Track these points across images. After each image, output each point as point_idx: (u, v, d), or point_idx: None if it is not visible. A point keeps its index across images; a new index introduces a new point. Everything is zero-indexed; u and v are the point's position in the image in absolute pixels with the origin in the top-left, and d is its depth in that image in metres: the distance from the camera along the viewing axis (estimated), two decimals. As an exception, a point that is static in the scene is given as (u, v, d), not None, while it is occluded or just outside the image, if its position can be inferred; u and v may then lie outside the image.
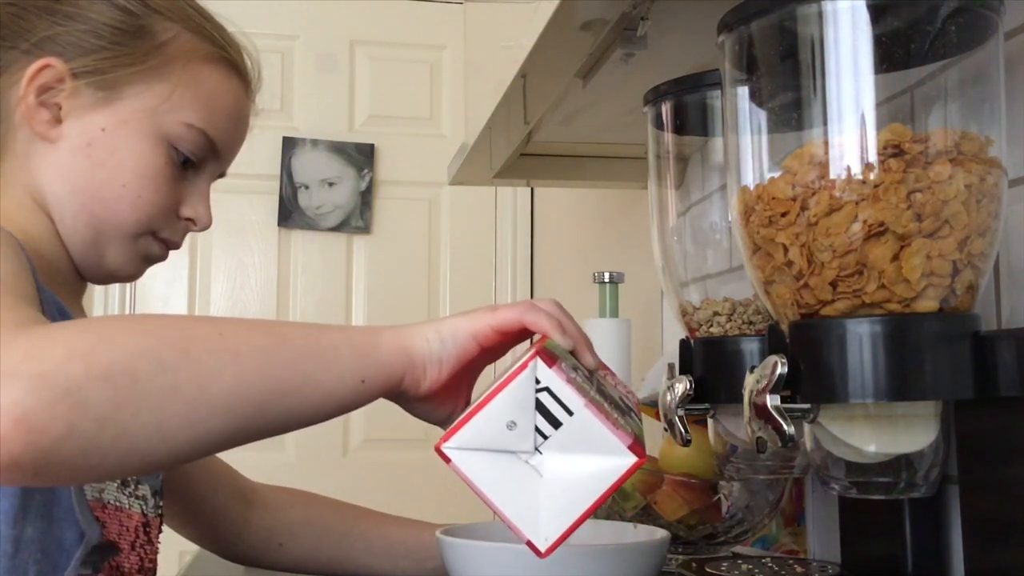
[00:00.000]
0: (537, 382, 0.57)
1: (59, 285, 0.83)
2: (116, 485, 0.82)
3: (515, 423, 0.57)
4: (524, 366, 0.57)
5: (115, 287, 2.46)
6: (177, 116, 0.86)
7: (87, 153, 0.84)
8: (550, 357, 0.58)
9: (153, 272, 2.88)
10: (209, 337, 0.57)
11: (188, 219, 0.90)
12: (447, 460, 0.58)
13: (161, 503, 0.90)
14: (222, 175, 0.96)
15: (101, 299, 2.45)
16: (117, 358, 0.52)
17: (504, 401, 0.57)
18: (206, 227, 0.92)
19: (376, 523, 1.05)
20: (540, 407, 0.57)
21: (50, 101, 0.83)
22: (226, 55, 0.90)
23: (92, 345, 0.52)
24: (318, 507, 1.07)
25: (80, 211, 0.84)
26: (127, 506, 0.83)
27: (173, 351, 0.54)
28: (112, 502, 0.81)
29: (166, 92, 0.85)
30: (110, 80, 0.83)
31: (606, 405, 0.60)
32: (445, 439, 0.58)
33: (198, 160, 0.89)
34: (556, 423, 0.57)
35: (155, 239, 0.89)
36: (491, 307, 0.65)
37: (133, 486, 0.85)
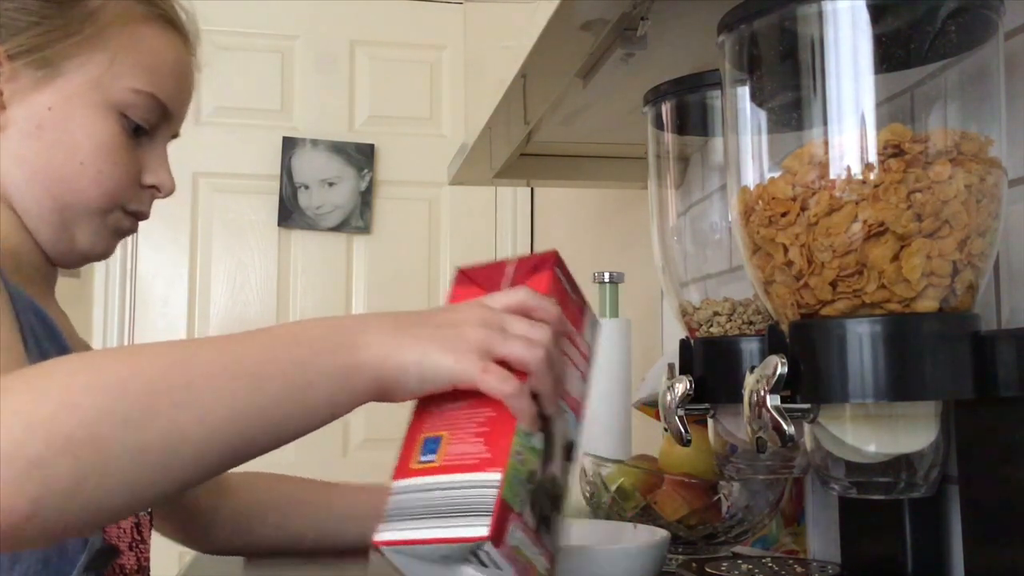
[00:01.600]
0: (479, 547, 0.57)
1: (29, 278, 0.82)
2: None
3: (448, 558, 0.58)
4: (468, 539, 0.57)
5: (115, 287, 2.46)
6: (123, 83, 0.83)
7: (38, 135, 0.81)
8: (502, 526, 0.57)
9: (153, 272, 2.86)
10: (176, 389, 0.53)
11: (151, 186, 0.88)
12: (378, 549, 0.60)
13: None
14: (175, 136, 0.92)
15: (101, 299, 2.45)
16: (79, 424, 0.50)
17: (443, 547, 0.58)
18: (170, 192, 0.90)
19: (340, 490, 1.06)
20: (476, 555, 0.58)
21: None
22: (160, 11, 0.87)
23: (52, 413, 0.50)
24: (281, 484, 1.07)
25: (43, 196, 0.82)
26: None
27: (138, 408, 0.52)
28: None
29: (107, 60, 0.82)
30: (48, 57, 0.81)
31: (540, 528, 0.62)
32: (380, 538, 0.60)
33: (151, 125, 0.86)
34: (489, 565, 0.58)
35: (123, 213, 0.87)
36: (482, 352, 0.59)
37: None
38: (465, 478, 0.60)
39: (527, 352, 0.60)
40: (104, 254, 0.89)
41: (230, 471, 0.81)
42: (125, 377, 0.53)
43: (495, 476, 0.59)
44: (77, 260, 0.88)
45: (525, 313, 0.63)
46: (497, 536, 0.57)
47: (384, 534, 0.60)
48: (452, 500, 0.59)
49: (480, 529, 0.57)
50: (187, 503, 1.00)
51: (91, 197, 0.83)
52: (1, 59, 0.80)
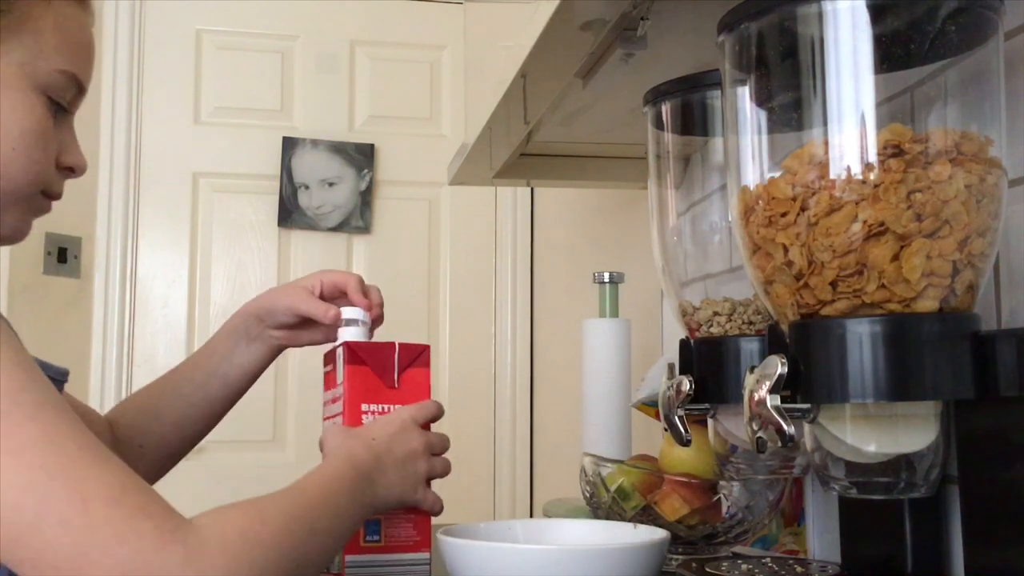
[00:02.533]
0: None
1: None
2: None
3: None
4: None
5: (115, 287, 2.45)
6: (49, 64, 0.80)
7: None
8: None
9: (153, 272, 2.85)
10: (310, 541, 0.76)
11: (68, 168, 0.85)
12: None
13: None
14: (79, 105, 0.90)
15: (101, 299, 2.45)
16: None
17: None
18: (83, 172, 0.87)
19: (181, 367, 1.10)
20: None
21: None
22: None
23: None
24: (140, 395, 1.11)
25: None
26: None
27: (296, 553, 0.75)
28: None
29: (35, 42, 0.80)
30: None
31: None
32: None
33: (68, 104, 0.84)
34: None
35: (44, 196, 0.84)
36: (424, 481, 0.94)
37: None
38: (405, 557, 0.96)
39: (446, 470, 0.95)
40: (19, 238, 0.86)
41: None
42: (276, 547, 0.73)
43: (426, 555, 0.96)
44: None
45: (433, 421, 0.96)
46: None
47: None
48: (395, 574, 0.95)
49: None
50: None
51: (20, 184, 0.80)
52: None
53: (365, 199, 2.61)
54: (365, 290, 1.07)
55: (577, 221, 2.25)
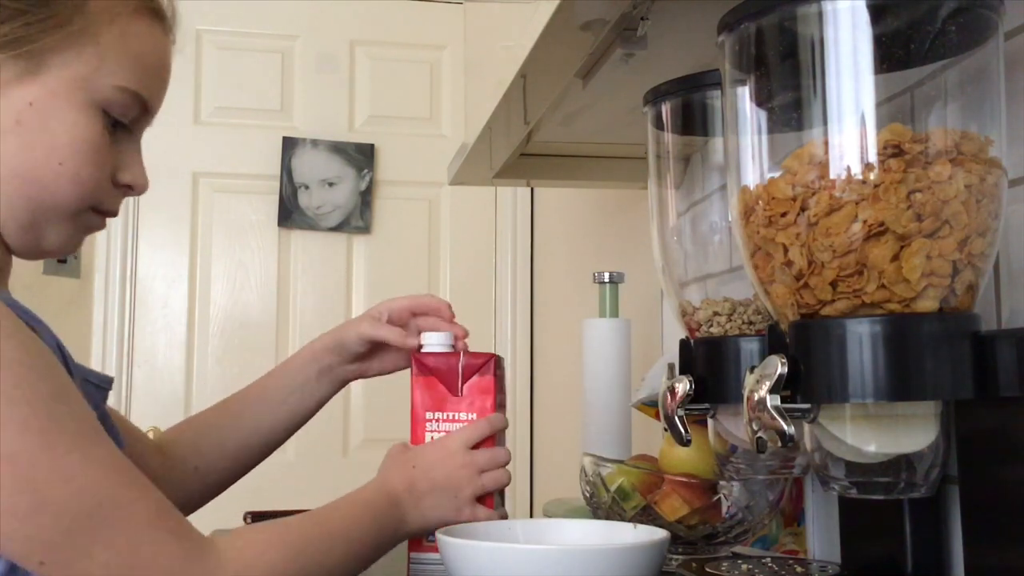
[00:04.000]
0: None
1: None
2: None
3: None
4: None
5: (115, 287, 2.45)
6: (109, 80, 0.79)
7: (16, 132, 0.76)
8: None
9: (153, 272, 2.85)
10: (330, 556, 0.82)
11: (126, 185, 0.84)
12: None
13: None
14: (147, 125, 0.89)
15: (101, 299, 2.45)
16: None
17: None
18: (143, 191, 0.86)
19: (248, 393, 1.11)
20: None
21: None
22: (150, 3, 0.84)
23: None
24: (201, 417, 1.11)
25: (15, 195, 0.78)
26: None
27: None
28: None
29: (95, 56, 0.78)
30: (34, 50, 0.76)
31: None
32: None
33: (130, 122, 0.83)
34: None
35: (95, 212, 0.83)
36: (474, 499, 0.96)
37: None
38: None
39: (498, 483, 0.97)
40: (69, 252, 0.86)
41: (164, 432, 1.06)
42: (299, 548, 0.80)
43: None
44: (39, 256, 0.85)
45: (486, 439, 0.98)
46: None
47: None
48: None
49: None
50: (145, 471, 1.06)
51: (66, 199, 0.79)
52: None
53: (365, 199, 2.61)
54: (451, 317, 1.08)
55: (577, 221, 2.25)
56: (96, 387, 0.84)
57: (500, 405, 1.01)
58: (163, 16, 0.85)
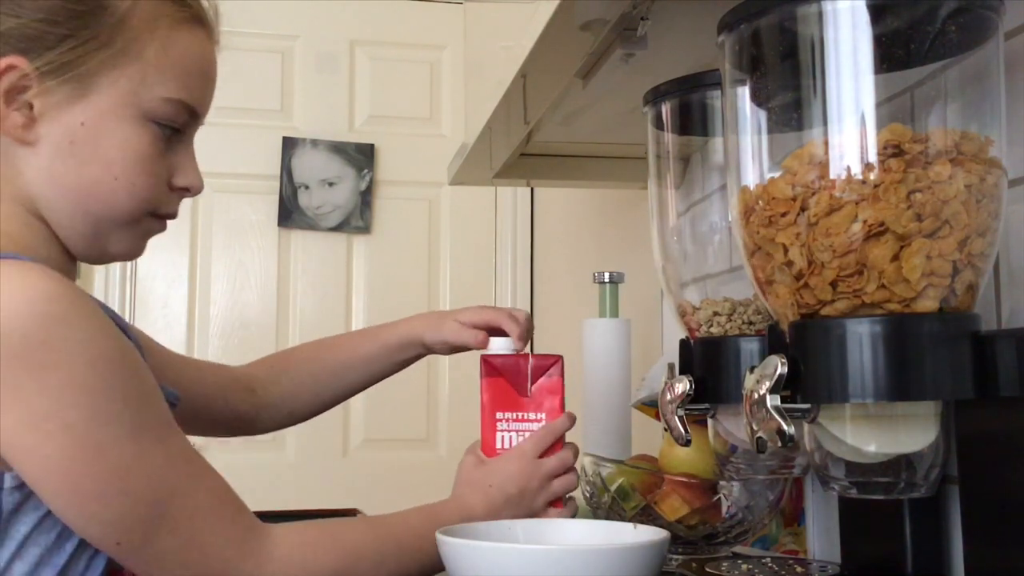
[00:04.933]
0: None
1: None
2: None
3: None
4: None
5: (115, 287, 2.45)
6: (155, 93, 0.82)
7: (71, 151, 0.80)
8: None
9: (153, 272, 2.85)
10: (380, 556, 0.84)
11: (183, 188, 0.87)
12: None
13: None
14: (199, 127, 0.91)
15: (101, 299, 2.45)
16: None
17: None
18: (199, 191, 0.89)
19: (340, 349, 1.18)
20: None
21: (21, 102, 0.78)
22: (189, 11, 0.85)
23: None
24: (297, 361, 1.19)
25: (75, 211, 0.81)
26: None
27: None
28: None
29: (139, 72, 0.81)
30: (81, 73, 0.79)
31: None
32: None
33: (180, 127, 0.85)
34: None
35: (154, 217, 0.86)
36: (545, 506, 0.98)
37: None
38: None
39: (565, 487, 0.99)
40: (133, 256, 0.89)
41: (252, 365, 1.18)
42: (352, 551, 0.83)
43: None
44: (106, 261, 0.89)
45: (553, 443, 0.99)
46: None
47: None
48: None
49: None
50: (232, 412, 1.13)
51: (124, 210, 0.83)
52: (31, 74, 0.78)
53: (365, 199, 2.60)
54: (515, 317, 1.11)
55: (577, 221, 2.25)
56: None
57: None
58: (204, 21, 0.88)
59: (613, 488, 1.05)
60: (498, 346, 1.08)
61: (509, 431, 1.01)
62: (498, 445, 1.00)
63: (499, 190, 2.63)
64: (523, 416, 1.01)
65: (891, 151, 0.63)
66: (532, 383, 1.02)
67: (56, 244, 0.84)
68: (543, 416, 1.01)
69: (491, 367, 1.03)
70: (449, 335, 1.11)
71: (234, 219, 2.52)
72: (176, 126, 0.84)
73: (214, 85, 0.90)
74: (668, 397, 0.85)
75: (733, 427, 0.85)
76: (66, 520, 0.73)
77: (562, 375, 1.03)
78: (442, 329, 1.12)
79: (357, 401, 2.53)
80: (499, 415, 1.01)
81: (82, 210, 0.82)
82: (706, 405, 0.86)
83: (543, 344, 2.60)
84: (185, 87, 0.84)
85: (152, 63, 0.81)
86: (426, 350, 1.15)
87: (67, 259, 0.85)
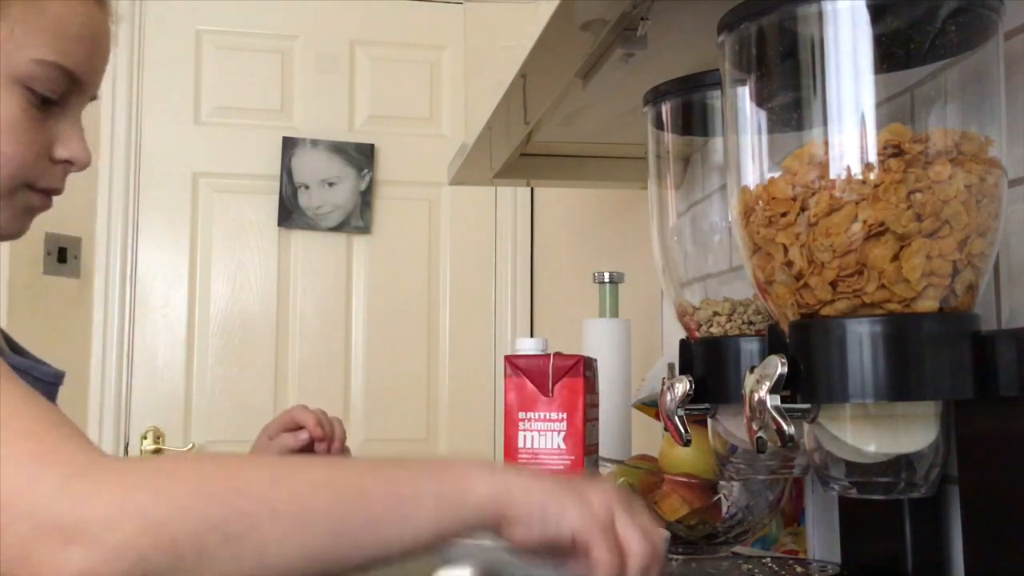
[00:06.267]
0: None
1: None
2: None
3: None
4: None
5: (114, 287, 2.45)
6: (24, 54, 0.75)
7: None
8: None
9: (153, 272, 2.84)
10: (278, 500, 0.56)
11: (64, 161, 0.81)
12: None
13: None
14: (93, 98, 0.85)
15: (101, 300, 2.44)
16: (186, 530, 0.53)
17: None
18: (85, 165, 0.82)
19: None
20: None
21: None
22: None
23: (166, 515, 0.53)
24: None
25: None
26: None
27: (240, 520, 0.55)
28: None
29: (6, 31, 0.75)
30: None
31: None
32: None
33: (59, 96, 0.79)
34: None
35: (33, 191, 0.80)
36: (605, 522, 0.62)
37: None
38: None
39: (641, 544, 0.62)
40: (15, 234, 0.83)
41: None
42: (231, 487, 0.56)
43: None
44: None
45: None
46: None
47: None
48: None
49: None
50: None
51: None
52: None
53: (365, 199, 2.60)
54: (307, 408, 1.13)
55: (577, 221, 2.25)
56: (44, 383, 0.82)
57: (591, 405, 1.04)
58: None
59: (613, 488, 1.05)
60: (526, 347, 1.09)
61: (532, 431, 1.02)
62: (520, 445, 1.01)
63: (499, 190, 2.63)
64: (545, 416, 1.02)
65: (891, 151, 0.63)
66: (554, 383, 1.02)
67: None
68: (566, 416, 1.01)
69: (514, 367, 1.04)
70: (290, 441, 1.11)
71: (234, 219, 2.52)
72: (54, 95, 0.78)
73: (104, 54, 0.83)
74: (668, 397, 0.85)
75: (733, 427, 0.85)
76: None
77: (585, 375, 1.03)
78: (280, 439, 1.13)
79: (357, 401, 2.53)
80: (521, 415, 1.02)
81: None
82: (706, 405, 0.86)
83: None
84: (62, 51, 0.78)
85: (20, 22, 0.75)
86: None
87: None
